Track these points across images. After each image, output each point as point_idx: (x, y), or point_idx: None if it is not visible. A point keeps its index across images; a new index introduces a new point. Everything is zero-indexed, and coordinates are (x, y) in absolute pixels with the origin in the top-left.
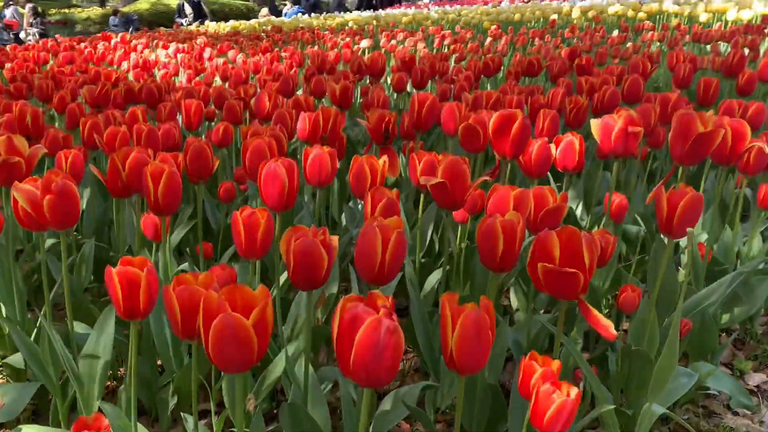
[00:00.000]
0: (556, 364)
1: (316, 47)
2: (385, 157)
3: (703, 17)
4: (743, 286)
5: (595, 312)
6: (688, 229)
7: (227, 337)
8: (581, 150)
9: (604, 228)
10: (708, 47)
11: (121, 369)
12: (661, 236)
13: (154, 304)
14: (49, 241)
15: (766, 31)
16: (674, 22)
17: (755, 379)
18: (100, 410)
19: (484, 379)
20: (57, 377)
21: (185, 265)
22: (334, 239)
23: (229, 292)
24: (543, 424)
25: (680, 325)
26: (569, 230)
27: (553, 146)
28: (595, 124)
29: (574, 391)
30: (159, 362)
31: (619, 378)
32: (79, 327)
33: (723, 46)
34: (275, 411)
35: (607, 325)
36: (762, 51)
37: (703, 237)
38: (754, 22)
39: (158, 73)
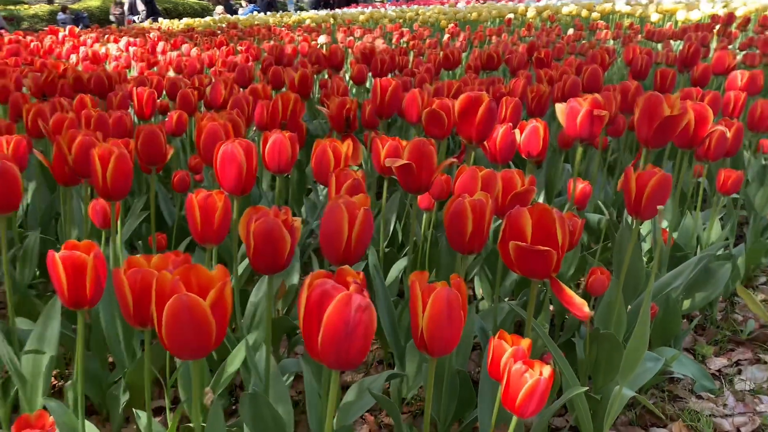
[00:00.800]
0: (526, 343)
1: (272, 42)
2: (349, 141)
3: (655, 17)
4: (704, 271)
5: (568, 290)
6: (659, 207)
7: (182, 320)
8: (545, 136)
9: (567, 212)
10: (659, 46)
11: (69, 367)
12: (627, 220)
13: (102, 292)
14: None
15: (714, 30)
16: (627, 21)
17: (716, 363)
18: (44, 408)
19: (451, 366)
20: None
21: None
22: (297, 221)
23: (184, 272)
24: (515, 406)
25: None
26: (541, 207)
27: (517, 132)
28: (560, 108)
29: (547, 370)
30: (110, 359)
31: (586, 363)
32: (22, 324)
33: (675, 45)
34: (234, 407)
35: (580, 304)
36: (712, 48)
37: (664, 223)
38: (702, 22)
39: (109, 66)
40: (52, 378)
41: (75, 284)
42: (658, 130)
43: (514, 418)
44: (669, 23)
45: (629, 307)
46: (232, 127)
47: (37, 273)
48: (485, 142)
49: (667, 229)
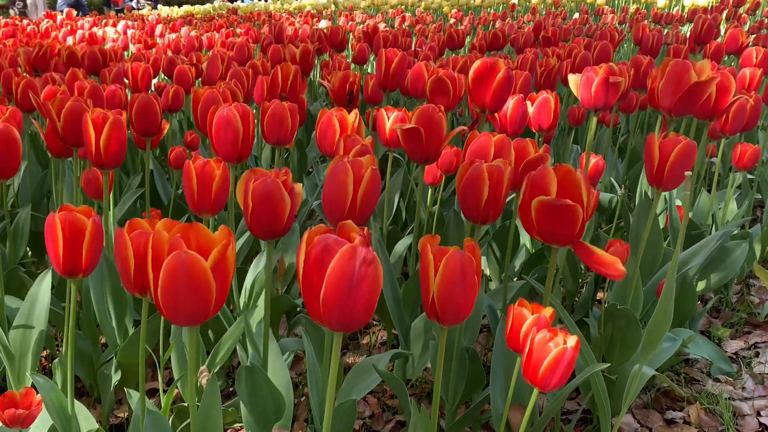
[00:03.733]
0: (549, 311)
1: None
2: (355, 111)
3: (661, 2)
4: (719, 252)
5: (597, 250)
6: (687, 173)
7: (181, 279)
8: (556, 108)
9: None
10: (665, 31)
11: (59, 347)
12: (646, 193)
13: (98, 262)
14: None
15: (723, 14)
16: (632, 7)
17: (733, 346)
18: (33, 387)
19: (460, 343)
20: None
21: None
22: (298, 186)
23: (184, 230)
24: (537, 378)
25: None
26: (564, 168)
27: (527, 105)
28: (573, 79)
29: (572, 340)
30: (103, 340)
31: (601, 341)
32: (11, 302)
33: (682, 29)
34: (231, 388)
35: (612, 262)
36: (722, 31)
37: (678, 202)
38: (709, 6)
39: (106, 47)
40: (42, 359)
41: (72, 249)
42: (684, 98)
43: (535, 391)
44: (676, 8)
45: (646, 283)
46: (230, 95)
47: (29, 252)
48: (496, 114)
49: (682, 202)
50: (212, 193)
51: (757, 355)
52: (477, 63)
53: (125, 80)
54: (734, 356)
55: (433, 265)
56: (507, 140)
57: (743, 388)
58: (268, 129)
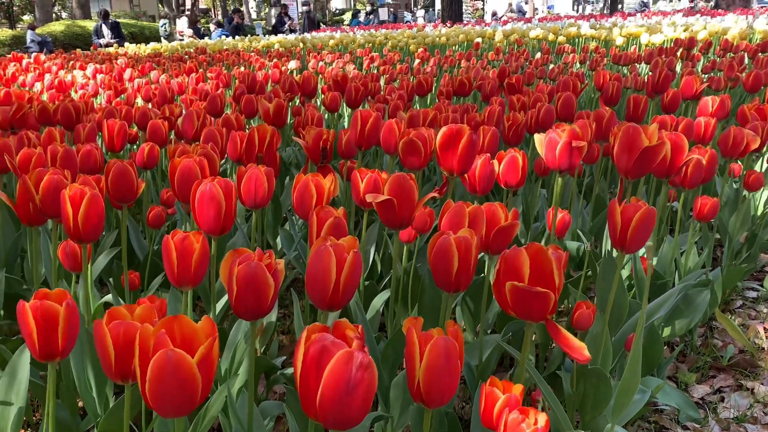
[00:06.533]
0: (518, 389)
1: (242, 68)
2: (331, 176)
3: (619, 41)
4: (683, 299)
5: (566, 333)
6: (648, 243)
7: (168, 377)
8: (524, 166)
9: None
10: (625, 69)
11: (36, 414)
12: (611, 252)
13: (75, 343)
14: None
15: (678, 53)
16: (592, 45)
17: (699, 391)
18: None
19: (439, 408)
20: None
21: (109, 297)
22: (280, 263)
23: (167, 323)
24: None
25: (632, 340)
26: (536, 247)
27: (495, 163)
28: (539, 139)
29: (542, 419)
30: (81, 404)
31: (574, 398)
32: None
33: (640, 68)
34: None
35: (580, 348)
36: (677, 71)
37: (641, 251)
38: (665, 45)
39: (76, 95)
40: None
41: (46, 336)
42: (638, 162)
43: None
44: (633, 46)
45: (613, 338)
46: (207, 163)
47: (2, 313)
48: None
49: (646, 257)
50: (192, 267)
51: (722, 400)
52: (443, 130)
53: (99, 133)
54: (700, 401)
55: (418, 351)
56: (480, 211)
57: None
58: (246, 194)
